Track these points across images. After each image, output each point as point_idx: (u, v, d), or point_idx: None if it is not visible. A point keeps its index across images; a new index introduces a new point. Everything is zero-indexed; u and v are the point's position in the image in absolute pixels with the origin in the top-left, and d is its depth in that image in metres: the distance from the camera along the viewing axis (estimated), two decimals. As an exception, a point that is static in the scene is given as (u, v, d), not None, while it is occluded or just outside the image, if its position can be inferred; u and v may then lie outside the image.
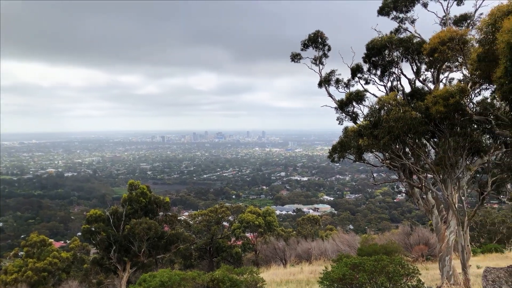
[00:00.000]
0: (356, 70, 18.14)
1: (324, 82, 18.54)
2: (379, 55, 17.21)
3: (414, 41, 17.00)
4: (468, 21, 17.32)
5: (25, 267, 30.20)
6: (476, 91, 15.08)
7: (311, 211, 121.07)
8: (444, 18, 17.55)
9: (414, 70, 17.60)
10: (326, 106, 18.50)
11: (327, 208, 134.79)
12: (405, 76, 17.63)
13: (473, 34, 14.19)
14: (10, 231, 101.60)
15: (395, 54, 17.07)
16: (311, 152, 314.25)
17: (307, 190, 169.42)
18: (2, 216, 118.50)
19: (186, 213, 68.72)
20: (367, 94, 17.37)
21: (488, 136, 15.61)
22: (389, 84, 17.85)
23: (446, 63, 16.26)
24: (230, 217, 40.10)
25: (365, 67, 17.95)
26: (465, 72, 15.70)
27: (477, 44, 12.85)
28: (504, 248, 32.60)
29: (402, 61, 17.36)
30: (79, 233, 52.93)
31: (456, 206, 16.24)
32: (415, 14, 17.82)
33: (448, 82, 17.68)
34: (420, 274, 11.86)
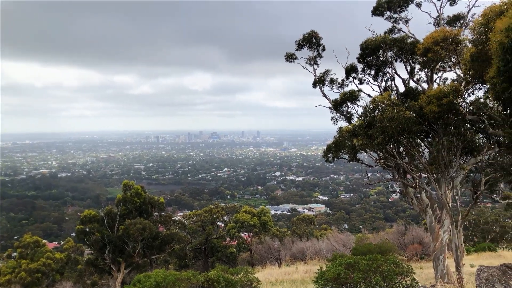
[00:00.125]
0: (350, 70, 18.19)
1: (319, 82, 18.54)
2: (373, 55, 17.26)
3: (408, 41, 17.07)
4: (461, 21, 17.42)
5: (18, 268, 29.93)
6: (469, 91, 15.21)
7: (306, 210, 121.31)
8: (438, 18, 17.63)
9: (408, 70, 17.67)
10: (321, 106, 18.53)
11: (321, 207, 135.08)
12: (399, 76, 17.70)
13: (466, 34, 14.31)
14: (4, 232, 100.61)
15: (389, 54, 17.13)
16: (306, 152, 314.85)
17: (302, 190, 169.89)
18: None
19: (181, 213, 68.65)
20: (361, 94, 17.40)
21: (481, 136, 15.71)
22: (383, 84, 17.92)
23: (439, 63, 16.34)
24: (225, 217, 40.03)
25: (360, 67, 18.02)
26: (459, 72, 15.79)
27: (470, 44, 12.95)
28: (497, 246, 32.88)
29: (396, 61, 17.43)
30: (73, 234, 52.53)
31: (450, 205, 16.35)
32: (409, 14, 17.92)
33: (442, 82, 17.79)
34: (414, 273, 11.90)
